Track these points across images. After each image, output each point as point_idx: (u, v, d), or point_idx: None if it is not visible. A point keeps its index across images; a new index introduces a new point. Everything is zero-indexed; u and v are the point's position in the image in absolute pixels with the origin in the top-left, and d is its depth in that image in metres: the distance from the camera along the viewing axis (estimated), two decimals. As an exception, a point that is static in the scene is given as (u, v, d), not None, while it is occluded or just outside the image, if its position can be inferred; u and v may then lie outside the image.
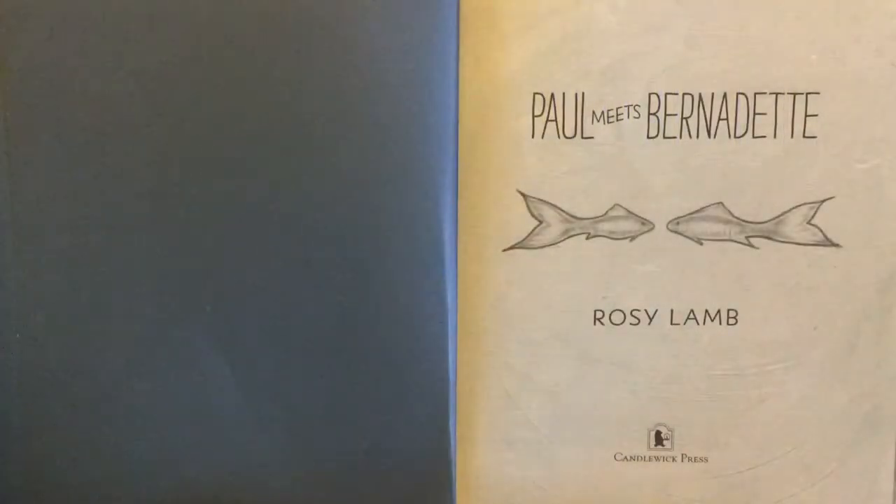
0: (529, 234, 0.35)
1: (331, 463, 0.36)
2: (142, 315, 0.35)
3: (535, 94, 0.34)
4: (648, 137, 0.34)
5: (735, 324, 0.35)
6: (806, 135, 0.34)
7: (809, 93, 0.34)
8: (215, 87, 0.34)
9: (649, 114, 0.34)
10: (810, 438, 0.36)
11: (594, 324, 0.36)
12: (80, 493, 0.36)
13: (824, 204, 0.35)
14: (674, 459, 0.37)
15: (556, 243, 0.35)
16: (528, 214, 0.35)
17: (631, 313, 0.36)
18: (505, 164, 0.35)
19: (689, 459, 0.37)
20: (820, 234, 0.35)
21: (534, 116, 0.35)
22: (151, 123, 0.34)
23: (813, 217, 0.35)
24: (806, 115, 0.34)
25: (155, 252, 0.34)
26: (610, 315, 0.36)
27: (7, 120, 0.34)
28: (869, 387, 0.36)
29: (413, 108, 0.34)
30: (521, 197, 0.35)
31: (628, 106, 0.34)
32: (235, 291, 0.35)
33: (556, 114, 0.35)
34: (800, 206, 0.35)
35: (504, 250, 0.36)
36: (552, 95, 0.34)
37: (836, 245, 0.35)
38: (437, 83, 0.34)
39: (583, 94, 0.34)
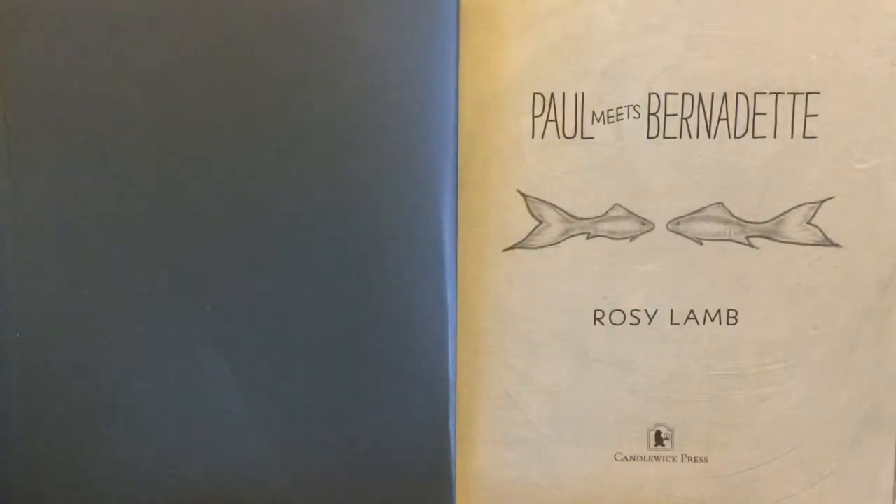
0: (529, 234, 0.35)
1: (331, 463, 0.36)
2: (142, 315, 0.35)
3: (535, 94, 0.34)
4: (648, 137, 0.34)
5: (735, 324, 0.35)
6: (806, 135, 0.34)
7: (809, 93, 0.34)
8: (215, 87, 0.33)
9: (649, 114, 0.34)
10: (810, 438, 0.36)
11: (594, 324, 0.36)
12: (80, 493, 0.36)
13: (824, 204, 0.35)
14: (674, 459, 0.37)
15: (556, 243, 0.35)
16: (528, 214, 0.35)
17: (631, 313, 0.36)
18: (505, 164, 0.35)
19: (689, 459, 0.37)
20: (820, 234, 0.35)
21: (534, 116, 0.35)
22: (151, 123, 0.34)
23: (813, 217, 0.35)
24: (806, 115, 0.34)
25: (155, 252, 0.34)
26: (610, 315, 0.36)
27: (7, 120, 0.34)
28: (869, 386, 0.36)
29: (413, 108, 0.34)
30: (521, 197, 0.35)
31: (628, 106, 0.34)
32: (235, 291, 0.35)
33: (556, 114, 0.35)
34: (800, 206, 0.35)
35: (504, 250, 0.36)
36: (552, 95, 0.34)
37: (836, 245, 0.35)
38: (437, 83, 0.33)
39: (583, 94, 0.34)
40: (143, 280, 0.35)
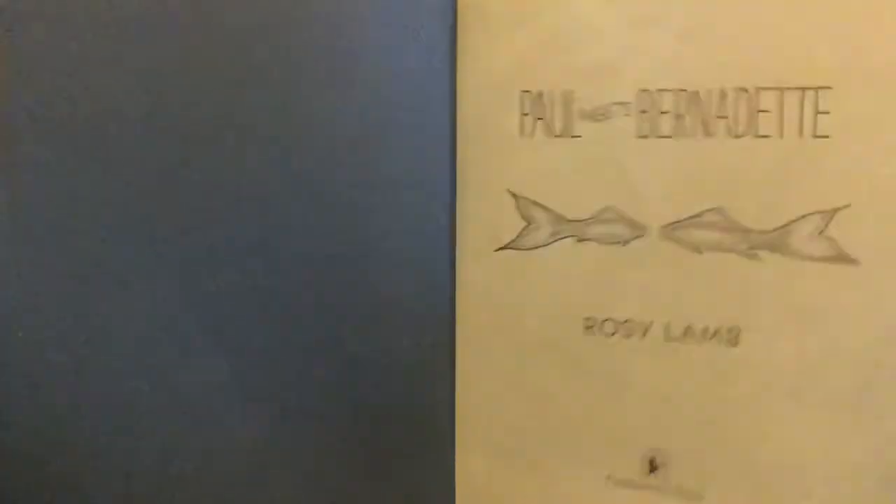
0: (519, 235, 0.34)
1: (331, 462, 0.36)
2: (142, 315, 0.36)
3: (523, 91, 0.33)
4: (639, 136, 0.32)
5: (736, 345, 0.32)
6: (817, 134, 0.30)
7: (820, 87, 0.30)
8: (215, 87, 0.34)
9: (640, 112, 0.32)
10: (819, 492, 0.31)
11: (584, 332, 0.34)
12: (80, 493, 0.37)
13: (839, 213, 0.30)
14: (667, 492, 0.33)
15: (546, 245, 0.34)
16: (518, 214, 0.34)
17: (624, 324, 0.33)
18: (494, 163, 0.34)
19: (684, 495, 0.33)
20: (834, 247, 0.30)
21: (522, 114, 0.33)
22: (151, 123, 0.34)
23: (826, 228, 0.30)
24: (816, 113, 0.30)
25: (154, 251, 0.35)
26: (601, 324, 0.34)
27: (7, 120, 0.35)
28: (892, 430, 0.31)
29: (410, 108, 0.33)
30: (512, 196, 0.34)
31: (617, 104, 0.32)
32: (235, 291, 0.35)
33: (545, 111, 0.33)
34: (810, 214, 0.30)
35: (496, 250, 0.35)
36: (540, 93, 0.33)
37: (854, 261, 0.30)
38: (436, 83, 0.33)
39: (571, 91, 0.33)
40: (143, 279, 0.35)
